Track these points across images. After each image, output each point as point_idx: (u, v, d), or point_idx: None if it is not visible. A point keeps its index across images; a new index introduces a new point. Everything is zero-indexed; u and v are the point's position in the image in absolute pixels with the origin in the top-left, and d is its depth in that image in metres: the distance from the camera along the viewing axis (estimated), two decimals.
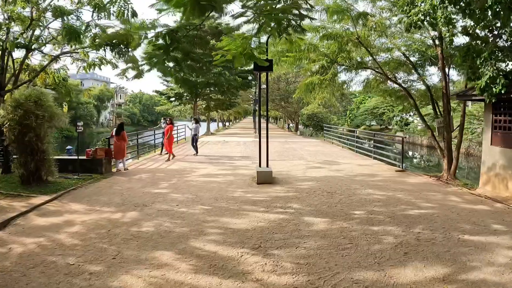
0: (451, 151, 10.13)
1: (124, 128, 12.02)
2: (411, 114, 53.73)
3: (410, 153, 30.78)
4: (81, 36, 8.95)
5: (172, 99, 30.61)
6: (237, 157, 14.07)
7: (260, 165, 9.28)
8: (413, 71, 11.47)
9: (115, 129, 11.44)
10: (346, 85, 12.39)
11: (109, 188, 8.32)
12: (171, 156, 13.24)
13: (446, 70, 9.98)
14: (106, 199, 7.29)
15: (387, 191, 7.81)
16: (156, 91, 31.51)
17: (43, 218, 5.91)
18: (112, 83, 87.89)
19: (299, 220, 5.67)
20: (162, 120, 16.06)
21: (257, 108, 50.39)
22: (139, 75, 13.17)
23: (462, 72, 9.75)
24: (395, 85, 12.68)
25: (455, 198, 7.43)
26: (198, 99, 30.91)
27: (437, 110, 10.60)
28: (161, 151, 15.06)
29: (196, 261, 4.17)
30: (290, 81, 37.43)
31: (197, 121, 15.63)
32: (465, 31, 8.19)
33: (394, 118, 56.43)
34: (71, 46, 10.73)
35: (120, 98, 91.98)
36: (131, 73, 12.86)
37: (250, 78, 26.57)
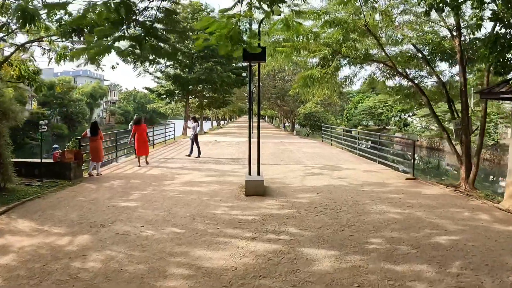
0: (470, 157, 8.82)
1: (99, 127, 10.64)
2: (410, 114, 52.86)
3: (409, 154, 29.64)
4: (37, 19, 7.47)
5: (163, 96, 29.03)
6: (227, 160, 12.65)
7: (250, 173, 7.88)
8: (424, 65, 10.15)
9: (88, 129, 9.98)
10: (349, 80, 11.03)
11: (71, 200, 6.90)
12: (143, 160, 11.61)
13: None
14: (62, 214, 5.90)
15: (403, 208, 6.45)
16: (146, 88, 29.93)
17: None
18: (106, 80, 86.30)
19: (297, 254, 4.27)
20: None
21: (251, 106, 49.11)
22: (93, 61, 11.69)
23: (485, 66, 8.41)
24: (403, 82, 11.40)
25: (484, 216, 6.09)
26: (190, 97, 29.43)
27: (454, 110, 9.29)
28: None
29: None
30: (286, 79, 36.06)
31: (195, 120, 14.20)
32: (495, 15, 6.85)
33: (393, 118, 55.35)
34: (31, 33, 9.26)
35: (114, 96, 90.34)
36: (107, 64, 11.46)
37: (244, 74, 25.19)
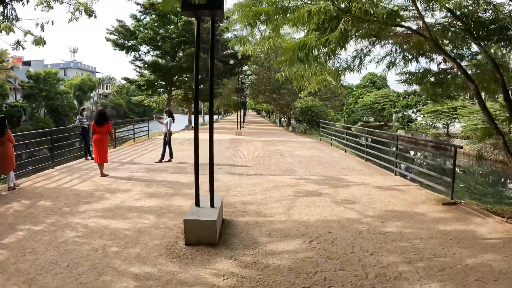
0: None
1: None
2: (414, 110, 49.69)
3: (412, 152, 26.38)
4: None
5: (144, 87, 25.78)
6: (191, 168, 9.54)
7: (198, 202, 4.74)
8: (468, 40, 7.08)
9: None
10: (357, 61, 7.94)
11: None
12: (102, 168, 8.41)
13: None
14: None
15: (468, 282, 3.40)
16: (125, 79, 26.64)
17: None
18: (98, 72, 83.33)
19: None
20: (79, 115, 11.08)
21: (244, 99, 45.84)
22: (39, 41, 8.75)
23: None
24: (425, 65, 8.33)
25: None
26: (173, 88, 26.23)
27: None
28: (87, 155, 10.57)
29: None
30: (282, 70, 32.82)
31: (170, 114, 10.86)
32: None
33: (395, 114, 52.10)
34: None
35: (107, 89, 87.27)
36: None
37: (231, 62, 22.02)
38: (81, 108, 11.31)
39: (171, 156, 10.37)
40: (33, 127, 42.28)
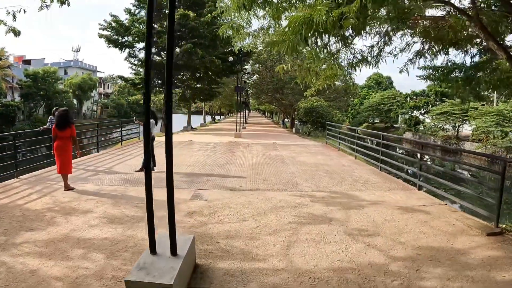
0: None
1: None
2: (422, 112, 47.90)
3: (418, 155, 24.63)
4: None
5: (139, 86, 24.39)
6: (177, 177, 8.10)
7: (152, 247, 3.24)
8: None
9: None
10: (376, 51, 6.55)
11: None
12: (66, 180, 7.01)
13: None
14: None
15: None
16: (119, 77, 25.28)
17: None
18: (99, 72, 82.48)
19: None
20: (51, 116, 9.67)
21: (247, 100, 44.32)
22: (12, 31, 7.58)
23: None
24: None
25: None
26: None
27: None
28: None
29: None
30: (285, 69, 31.33)
31: (153, 114, 9.19)
32: None
33: (402, 115, 50.25)
34: None
35: (109, 88, 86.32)
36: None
37: (230, 59, 20.58)
38: (54, 108, 9.86)
39: (153, 164, 8.96)
40: (29, 126, 41.16)
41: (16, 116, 40.16)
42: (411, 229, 4.97)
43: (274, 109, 58.41)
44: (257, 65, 32.27)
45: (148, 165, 3.20)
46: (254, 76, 35.08)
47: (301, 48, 4.28)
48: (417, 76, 8.34)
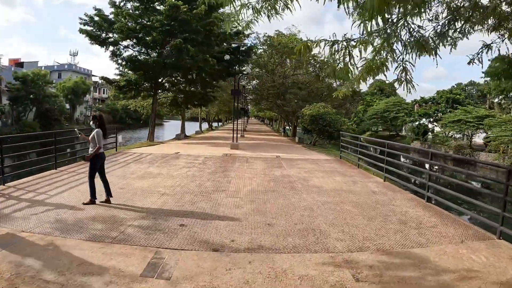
0: None
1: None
2: (431, 120, 45.26)
3: (427, 164, 21.98)
4: None
5: (125, 89, 21.67)
6: (136, 222, 5.35)
7: None
8: None
9: None
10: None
11: None
12: None
13: None
14: None
15: None
16: (102, 78, 22.52)
17: None
18: (94, 76, 79.88)
19: None
20: None
21: (246, 106, 41.71)
22: None
23: None
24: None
25: None
26: (160, 90, 22.18)
27: None
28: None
29: None
30: (287, 74, 28.82)
31: (100, 122, 6.50)
32: None
33: (409, 124, 47.50)
34: None
35: (104, 93, 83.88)
36: None
37: (227, 57, 17.97)
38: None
39: (108, 193, 6.21)
40: (17, 131, 38.59)
41: None
42: None
43: (274, 116, 55.79)
44: (257, 69, 29.76)
45: None
46: (254, 81, 32.58)
47: None
48: (482, 72, 5.81)
